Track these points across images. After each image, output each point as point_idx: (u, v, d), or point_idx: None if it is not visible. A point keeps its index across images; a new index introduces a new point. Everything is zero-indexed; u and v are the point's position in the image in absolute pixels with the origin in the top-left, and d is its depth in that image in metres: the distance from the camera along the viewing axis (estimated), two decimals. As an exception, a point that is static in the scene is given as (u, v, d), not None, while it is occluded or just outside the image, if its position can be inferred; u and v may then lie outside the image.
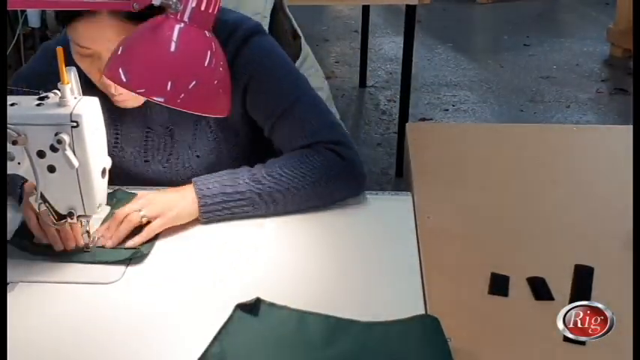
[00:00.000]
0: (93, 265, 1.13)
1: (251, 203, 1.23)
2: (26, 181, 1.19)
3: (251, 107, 1.33)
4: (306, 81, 1.36)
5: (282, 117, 1.29)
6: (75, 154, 1.02)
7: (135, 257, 1.14)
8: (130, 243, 1.17)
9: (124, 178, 1.38)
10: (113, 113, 1.31)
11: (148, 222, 1.19)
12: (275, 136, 1.32)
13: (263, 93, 1.30)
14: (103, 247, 1.16)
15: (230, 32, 1.28)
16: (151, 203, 1.20)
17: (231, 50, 1.26)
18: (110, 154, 1.31)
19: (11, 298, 1.05)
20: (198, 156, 1.38)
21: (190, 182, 1.25)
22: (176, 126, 1.36)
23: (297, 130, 1.29)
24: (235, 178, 1.24)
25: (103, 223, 1.22)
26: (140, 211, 1.18)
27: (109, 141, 1.30)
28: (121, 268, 1.12)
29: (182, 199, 1.22)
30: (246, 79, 1.29)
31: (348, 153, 1.28)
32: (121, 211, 1.19)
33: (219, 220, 1.24)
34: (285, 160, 1.27)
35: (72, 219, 1.10)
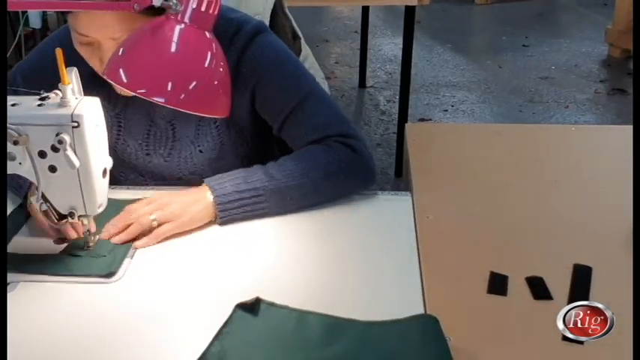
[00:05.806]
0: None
1: (266, 200, 1.22)
2: (31, 185, 1.18)
3: (261, 105, 1.32)
4: (312, 77, 1.36)
5: (293, 113, 1.29)
6: (76, 154, 1.02)
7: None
8: (139, 244, 1.16)
9: (127, 168, 1.38)
10: (116, 106, 1.31)
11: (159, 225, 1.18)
12: (285, 132, 1.32)
13: (273, 90, 1.30)
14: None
15: (236, 30, 1.28)
16: (164, 207, 1.18)
17: (238, 48, 1.27)
18: (113, 145, 1.31)
19: (11, 298, 1.05)
20: (201, 151, 1.37)
21: (196, 178, 1.23)
22: (179, 121, 1.35)
23: (308, 126, 1.29)
24: (248, 176, 1.22)
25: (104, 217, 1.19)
26: (152, 214, 1.17)
27: (112, 132, 1.30)
28: (122, 267, 1.12)
29: (195, 203, 1.20)
30: (255, 78, 1.29)
31: (358, 145, 1.28)
32: (134, 211, 1.18)
33: (236, 220, 1.22)
34: (298, 154, 1.28)
35: (73, 219, 1.10)
